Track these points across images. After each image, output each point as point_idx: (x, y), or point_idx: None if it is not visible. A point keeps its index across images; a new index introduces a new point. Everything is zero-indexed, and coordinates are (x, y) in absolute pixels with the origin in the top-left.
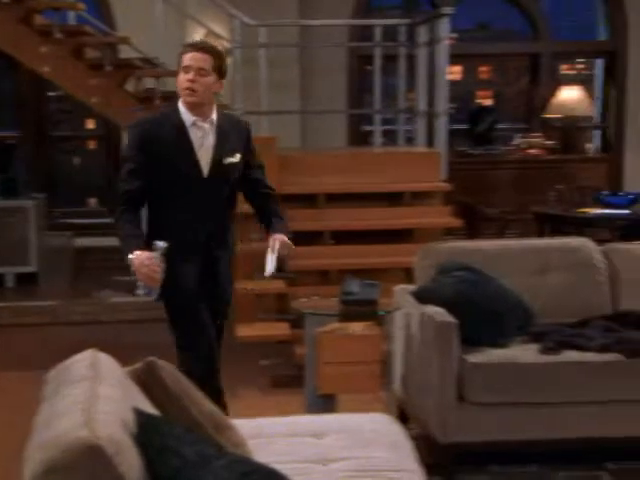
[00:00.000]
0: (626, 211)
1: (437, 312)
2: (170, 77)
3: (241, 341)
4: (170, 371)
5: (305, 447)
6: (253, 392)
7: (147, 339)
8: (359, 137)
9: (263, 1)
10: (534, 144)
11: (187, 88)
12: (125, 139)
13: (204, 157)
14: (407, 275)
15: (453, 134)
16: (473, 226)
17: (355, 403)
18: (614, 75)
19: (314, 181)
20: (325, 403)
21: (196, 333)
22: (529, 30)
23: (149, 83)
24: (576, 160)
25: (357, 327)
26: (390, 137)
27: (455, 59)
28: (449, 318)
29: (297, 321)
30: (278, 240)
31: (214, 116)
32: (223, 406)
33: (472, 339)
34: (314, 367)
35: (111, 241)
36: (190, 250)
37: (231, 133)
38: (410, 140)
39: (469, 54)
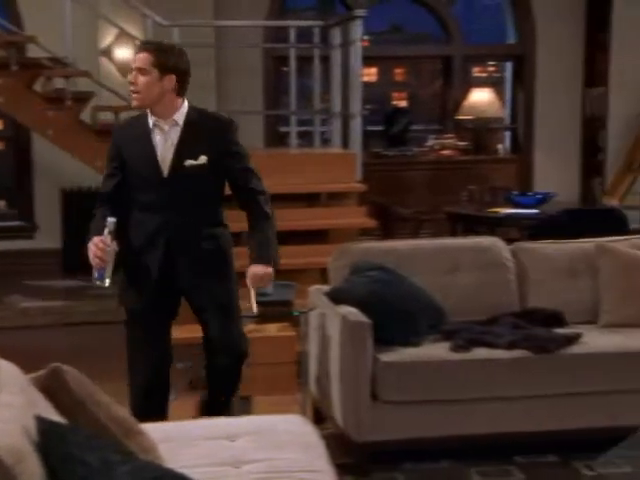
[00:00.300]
0: (535, 210)
1: (351, 312)
2: (81, 77)
3: None
4: (76, 376)
5: (218, 450)
6: (170, 395)
7: (57, 344)
8: (276, 138)
9: (177, 2)
10: (447, 145)
11: (130, 90)
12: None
13: (165, 158)
14: (323, 276)
15: (369, 135)
16: (388, 226)
17: (271, 404)
18: (523, 78)
19: None
20: (240, 406)
21: (140, 342)
22: (442, 33)
23: (59, 83)
24: (488, 161)
25: (272, 328)
26: (308, 138)
27: (370, 61)
28: (362, 318)
29: None
30: (251, 277)
31: (178, 115)
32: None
33: (385, 338)
34: None
35: (21, 244)
36: (148, 249)
37: (201, 133)
38: (326, 141)
39: (384, 56)
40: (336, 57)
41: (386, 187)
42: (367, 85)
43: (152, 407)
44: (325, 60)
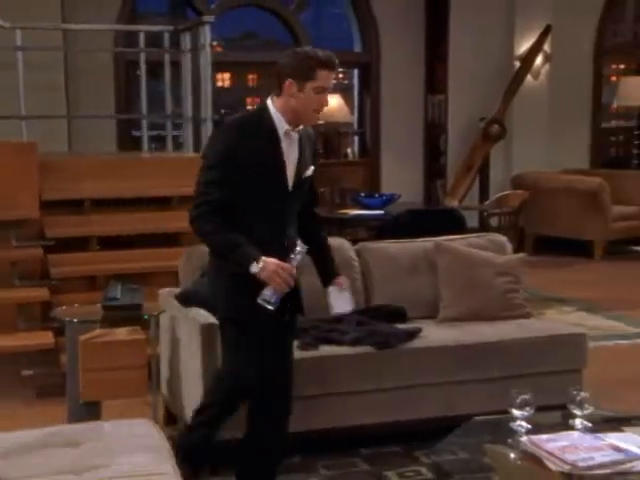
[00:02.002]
0: (380, 211)
1: (200, 314)
2: None
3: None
4: None
5: (60, 458)
6: (14, 404)
7: None
8: (130, 142)
9: (23, 4)
10: None
11: (320, 110)
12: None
13: (290, 169)
14: (176, 279)
15: None
16: None
17: (122, 408)
18: (369, 85)
19: (79, 186)
20: (89, 411)
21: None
22: (292, 40)
23: None
24: (338, 164)
25: (121, 332)
26: (163, 142)
27: (224, 66)
28: (212, 319)
29: (62, 329)
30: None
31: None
32: None
33: None
34: (76, 375)
35: None
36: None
37: (306, 143)
38: (180, 145)
39: (238, 62)
40: (187, 62)
41: None
42: (221, 90)
43: None
44: (177, 65)
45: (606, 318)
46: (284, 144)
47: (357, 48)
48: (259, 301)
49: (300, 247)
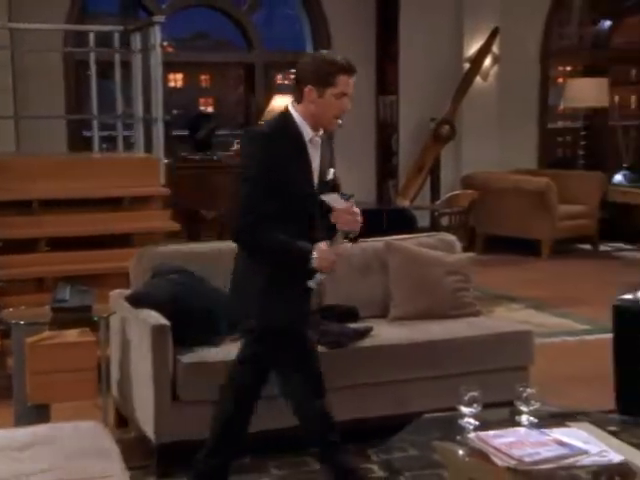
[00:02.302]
0: None
1: (151, 315)
2: None
3: None
4: None
5: (6, 462)
6: None
7: None
8: (81, 142)
9: None
10: None
11: (342, 114)
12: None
13: (315, 174)
14: (128, 280)
15: (175, 140)
16: (194, 229)
17: (72, 411)
18: None
19: (28, 187)
20: (37, 414)
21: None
22: (243, 41)
23: None
24: None
25: (71, 334)
26: (114, 143)
27: (176, 66)
28: (162, 321)
29: (9, 332)
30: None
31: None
32: None
33: (186, 340)
34: (23, 377)
35: None
36: (301, 275)
37: (325, 146)
38: (131, 146)
39: (189, 62)
40: (137, 62)
41: (193, 191)
42: (174, 90)
43: None
44: (128, 65)
45: (553, 315)
46: (310, 150)
47: (309, 49)
48: (310, 284)
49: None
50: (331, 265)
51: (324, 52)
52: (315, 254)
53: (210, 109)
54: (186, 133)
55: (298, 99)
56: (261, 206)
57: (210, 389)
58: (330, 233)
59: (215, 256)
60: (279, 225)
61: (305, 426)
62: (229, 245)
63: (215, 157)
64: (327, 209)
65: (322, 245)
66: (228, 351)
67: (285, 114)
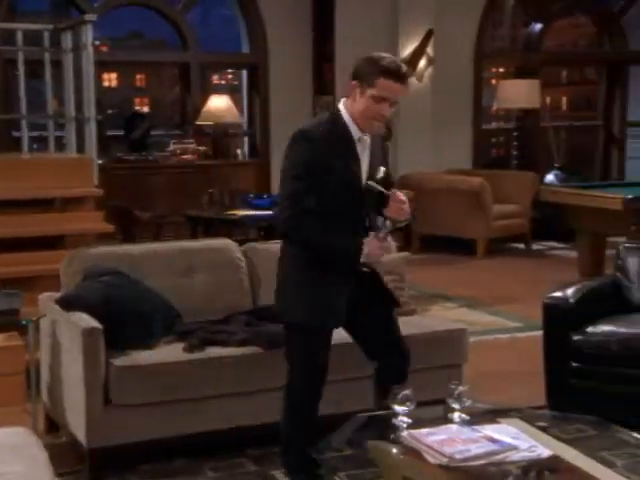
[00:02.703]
0: (269, 212)
1: (82, 318)
2: None
3: None
4: None
5: None
6: None
7: None
8: (11, 143)
9: None
10: (188, 150)
11: (379, 120)
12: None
13: (364, 173)
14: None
15: (110, 140)
16: (129, 231)
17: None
18: (258, 86)
19: None
20: None
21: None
22: (179, 40)
23: None
24: (228, 165)
25: None
26: (46, 143)
27: (111, 66)
28: (94, 323)
29: None
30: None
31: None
32: None
33: (120, 342)
34: None
35: None
36: (344, 273)
37: (375, 145)
38: (63, 146)
39: (124, 61)
40: (68, 61)
41: (128, 191)
42: (108, 90)
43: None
44: (60, 64)
45: (487, 313)
46: (359, 148)
47: (245, 49)
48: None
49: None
50: (380, 255)
51: (383, 53)
52: (365, 249)
53: (146, 109)
54: (121, 133)
55: (347, 93)
56: (304, 204)
57: (144, 392)
58: (380, 222)
59: (150, 257)
60: (326, 223)
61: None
62: (164, 246)
63: (151, 157)
64: (377, 201)
65: (370, 240)
66: (162, 353)
67: (334, 114)
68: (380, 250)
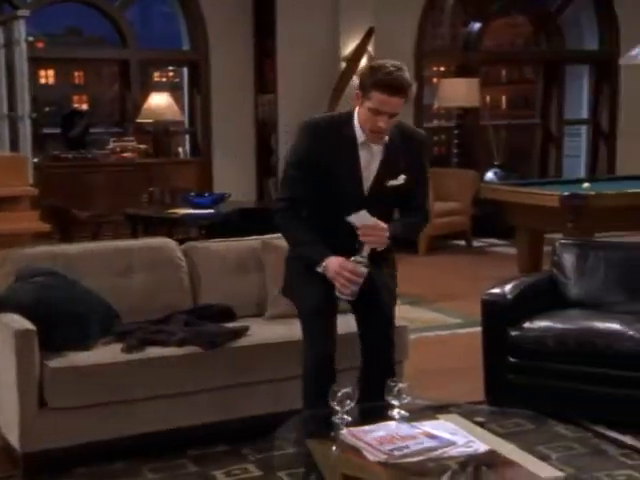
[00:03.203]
0: (210, 210)
1: (14, 320)
2: None
3: None
4: None
5: None
6: None
7: None
8: None
9: None
10: (128, 148)
11: (377, 132)
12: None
13: (369, 177)
14: None
15: (47, 138)
16: (66, 230)
17: None
18: (199, 83)
19: None
20: None
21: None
22: (118, 37)
23: None
24: (169, 163)
25: None
26: None
27: (47, 62)
28: (27, 325)
29: None
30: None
31: (386, 136)
32: None
33: (55, 344)
34: None
35: None
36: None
37: (400, 151)
38: None
39: (61, 58)
40: (0, 58)
41: (67, 190)
42: (45, 87)
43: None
44: None
45: (429, 310)
46: (362, 152)
47: (186, 46)
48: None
49: (361, 257)
50: (345, 282)
51: (383, 61)
52: (323, 265)
53: (84, 106)
54: (59, 131)
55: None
56: (295, 192)
57: (81, 394)
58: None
59: (87, 257)
60: (323, 215)
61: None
62: (101, 246)
63: (90, 155)
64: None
65: (334, 260)
66: (100, 354)
67: (348, 113)
68: (342, 275)
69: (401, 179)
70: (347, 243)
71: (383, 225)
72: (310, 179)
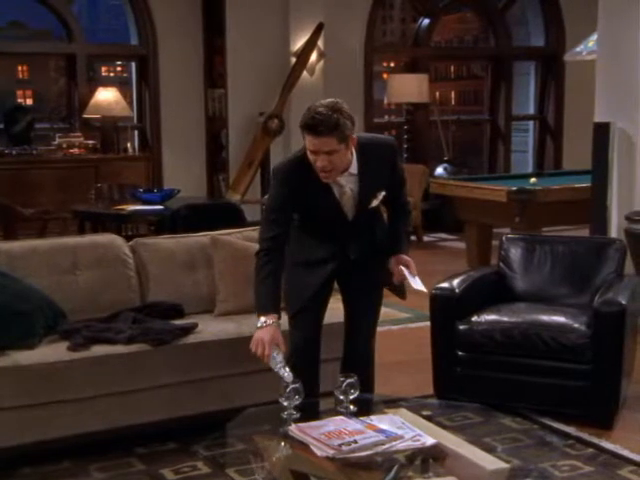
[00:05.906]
0: (159, 207)
1: None
2: None
3: None
4: None
5: None
6: None
7: None
8: None
9: None
10: (75, 144)
11: (322, 171)
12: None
13: (348, 203)
14: None
15: None
16: (10, 227)
17: None
18: (148, 78)
19: None
20: None
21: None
22: (63, 31)
23: None
24: (117, 159)
25: None
26: None
27: None
28: None
29: None
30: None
31: (352, 167)
32: None
33: None
34: None
35: None
36: (319, 265)
37: (374, 167)
38: None
39: (4, 52)
40: None
41: (10, 187)
42: None
43: None
44: None
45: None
46: (334, 185)
47: (134, 41)
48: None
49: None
50: (257, 351)
51: (318, 103)
52: (259, 323)
53: (29, 101)
54: (1, 127)
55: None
56: (273, 234)
57: (25, 393)
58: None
59: (31, 254)
60: (311, 238)
61: None
62: (46, 243)
63: (35, 151)
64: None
65: (272, 329)
66: (44, 353)
67: (301, 153)
68: (257, 345)
69: (381, 196)
70: (339, 258)
71: (407, 259)
72: (291, 215)
